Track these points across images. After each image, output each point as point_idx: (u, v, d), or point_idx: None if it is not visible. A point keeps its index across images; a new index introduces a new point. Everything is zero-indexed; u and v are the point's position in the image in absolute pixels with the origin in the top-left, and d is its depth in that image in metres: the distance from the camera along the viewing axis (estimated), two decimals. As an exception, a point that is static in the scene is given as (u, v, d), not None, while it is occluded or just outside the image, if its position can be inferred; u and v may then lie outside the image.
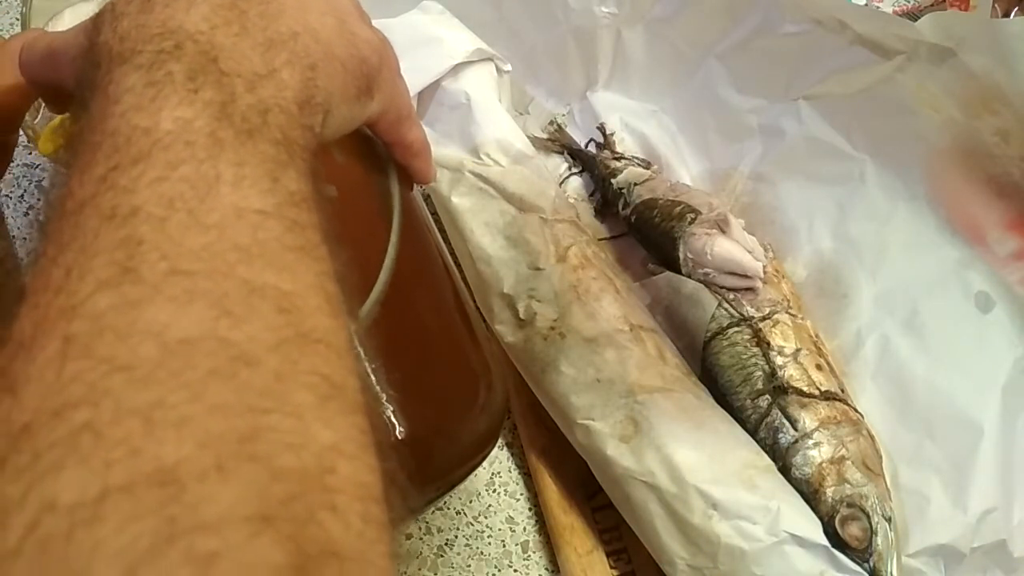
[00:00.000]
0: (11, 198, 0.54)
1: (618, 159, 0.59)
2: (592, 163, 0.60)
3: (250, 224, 0.20)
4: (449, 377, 0.36)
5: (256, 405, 0.17)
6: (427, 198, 0.54)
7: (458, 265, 0.51)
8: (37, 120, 0.43)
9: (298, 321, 0.19)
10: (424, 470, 0.32)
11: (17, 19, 0.62)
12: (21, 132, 0.38)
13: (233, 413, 0.17)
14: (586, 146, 0.61)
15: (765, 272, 0.50)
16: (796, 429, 0.45)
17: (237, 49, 0.23)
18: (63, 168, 0.21)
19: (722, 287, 0.50)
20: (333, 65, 0.26)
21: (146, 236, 0.19)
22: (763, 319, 0.49)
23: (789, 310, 0.50)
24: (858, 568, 0.41)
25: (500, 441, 0.50)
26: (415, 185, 0.38)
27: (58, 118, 0.36)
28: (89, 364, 0.17)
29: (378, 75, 0.29)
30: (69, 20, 0.48)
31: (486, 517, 0.48)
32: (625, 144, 0.61)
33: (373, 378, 0.30)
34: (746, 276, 0.50)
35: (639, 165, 0.59)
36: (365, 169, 0.35)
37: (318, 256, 0.21)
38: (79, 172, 0.20)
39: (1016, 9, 0.62)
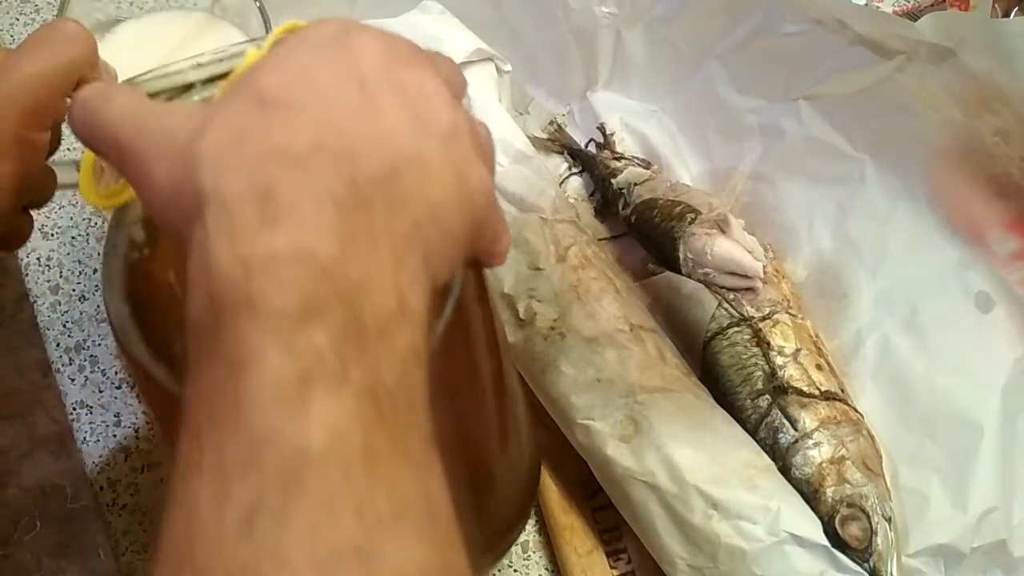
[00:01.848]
0: (11, 198, 0.54)
1: (618, 159, 0.59)
2: (592, 163, 0.60)
3: None
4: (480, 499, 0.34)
5: None
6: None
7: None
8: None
9: None
10: None
11: (17, 19, 0.62)
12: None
13: None
14: (586, 146, 0.61)
15: (765, 272, 0.50)
16: (796, 429, 0.45)
17: (372, 281, 0.20)
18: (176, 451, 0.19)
19: (722, 287, 0.50)
20: (450, 246, 0.23)
21: None
22: (763, 319, 0.49)
23: (789, 310, 0.50)
24: (858, 568, 0.41)
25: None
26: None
27: (90, 154, 0.31)
28: None
29: (484, 219, 0.24)
30: (124, 36, 0.46)
31: (486, 517, 0.48)
32: (625, 144, 0.61)
33: None
34: (746, 276, 0.50)
35: (639, 165, 0.59)
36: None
37: None
38: (208, 482, 0.18)
39: (1016, 9, 0.62)
